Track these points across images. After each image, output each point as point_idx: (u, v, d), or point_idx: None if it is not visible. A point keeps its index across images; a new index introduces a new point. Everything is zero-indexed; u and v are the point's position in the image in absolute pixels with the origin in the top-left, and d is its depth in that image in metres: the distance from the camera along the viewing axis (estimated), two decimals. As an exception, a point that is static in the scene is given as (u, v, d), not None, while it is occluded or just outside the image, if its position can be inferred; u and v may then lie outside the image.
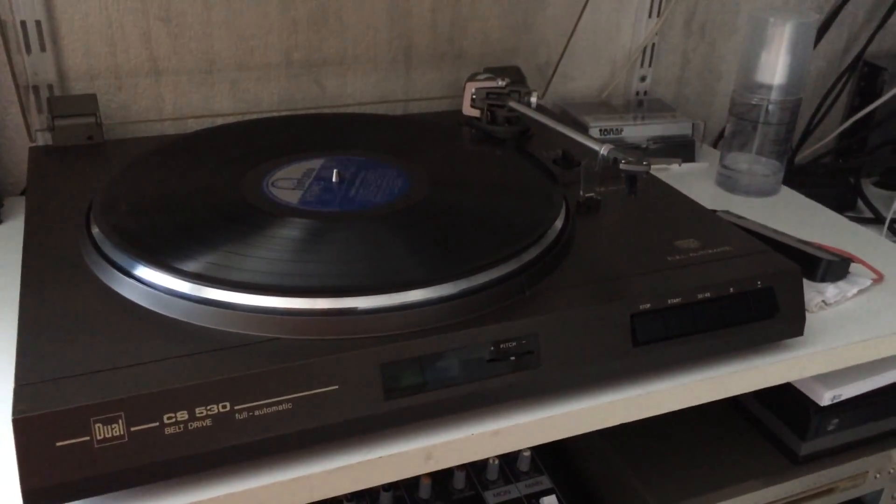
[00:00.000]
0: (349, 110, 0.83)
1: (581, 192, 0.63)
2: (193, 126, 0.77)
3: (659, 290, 0.53)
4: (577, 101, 0.93)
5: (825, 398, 0.63)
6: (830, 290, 0.63)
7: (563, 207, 0.60)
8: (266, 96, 0.80)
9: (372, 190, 0.60)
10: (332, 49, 0.81)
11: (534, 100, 0.73)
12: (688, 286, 0.54)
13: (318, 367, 0.45)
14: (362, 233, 0.54)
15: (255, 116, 0.77)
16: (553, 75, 0.88)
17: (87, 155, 0.69)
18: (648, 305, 0.52)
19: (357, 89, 0.84)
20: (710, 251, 0.58)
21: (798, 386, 0.65)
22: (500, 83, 0.74)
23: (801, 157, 1.06)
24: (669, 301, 0.53)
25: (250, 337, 0.46)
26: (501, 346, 0.49)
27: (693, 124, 0.88)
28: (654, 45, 0.95)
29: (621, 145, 0.85)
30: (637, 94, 0.97)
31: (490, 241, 0.54)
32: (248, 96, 0.80)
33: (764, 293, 0.55)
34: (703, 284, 0.54)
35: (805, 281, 0.63)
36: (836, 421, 0.65)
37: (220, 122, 0.78)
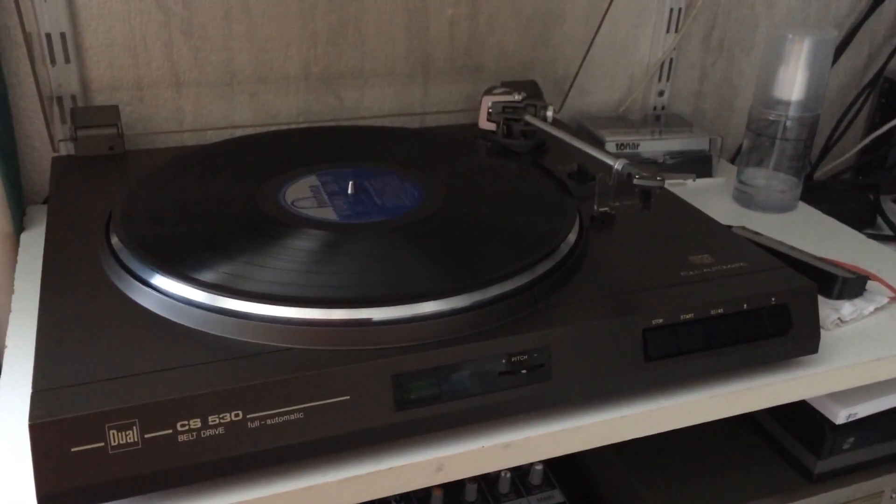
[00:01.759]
0: (367, 123, 0.84)
1: (595, 206, 0.63)
2: (213, 138, 0.78)
3: (671, 306, 0.53)
4: (595, 115, 0.93)
5: (840, 416, 0.63)
6: (846, 308, 0.63)
7: (577, 221, 0.60)
8: (285, 109, 0.81)
9: (387, 201, 0.60)
10: (350, 62, 0.82)
11: (549, 114, 0.73)
12: (701, 302, 0.53)
13: (329, 378, 0.45)
14: (376, 244, 0.55)
15: (273, 128, 0.78)
16: (570, 90, 0.88)
17: (108, 165, 0.70)
18: (661, 320, 0.52)
19: (375, 102, 0.84)
20: (724, 267, 0.58)
21: (813, 403, 0.65)
22: (517, 97, 0.75)
23: (820, 174, 1.05)
24: (682, 316, 0.53)
25: (264, 347, 0.46)
26: (513, 358, 0.49)
27: (710, 139, 0.88)
28: (671, 60, 0.95)
29: (637, 160, 0.86)
30: (654, 108, 0.97)
31: (503, 253, 0.54)
32: (268, 108, 0.81)
33: (778, 310, 0.55)
34: (716, 300, 0.54)
35: (821, 298, 0.63)
36: (851, 439, 0.64)
37: (239, 133, 0.79)
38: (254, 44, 0.77)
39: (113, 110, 0.71)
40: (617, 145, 0.86)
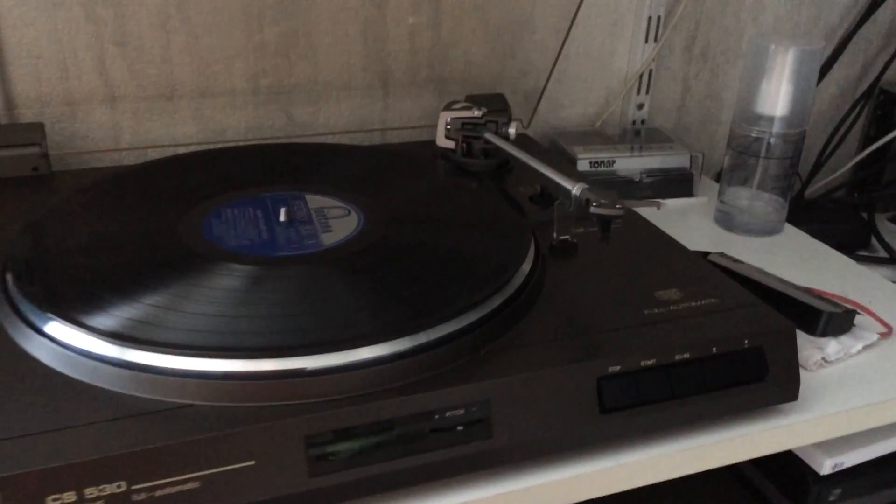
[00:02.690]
0: (322, 139, 0.78)
1: (554, 235, 0.58)
2: (153, 156, 0.73)
3: (631, 350, 0.47)
4: (569, 130, 0.88)
5: (826, 466, 0.57)
6: (832, 346, 0.57)
7: (532, 252, 0.54)
8: (232, 125, 0.76)
9: (323, 230, 0.55)
10: (302, 75, 0.76)
11: (512, 130, 0.68)
12: (664, 345, 0.48)
13: (231, 440, 0.39)
14: (296, 281, 0.49)
15: (220, 146, 0.73)
16: (538, 104, 0.82)
17: (31, 187, 0.64)
18: (618, 368, 0.46)
19: (330, 117, 0.79)
20: (692, 304, 0.52)
21: (797, 452, 0.59)
22: (476, 112, 0.69)
23: (811, 191, 0.99)
24: (642, 363, 0.47)
25: (161, 403, 0.41)
26: (447, 413, 0.43)
27: (691, 156, 0.82)
28: (651, 71, 0.89)
29: (613, 178, 0.80)
30: (634, 123, 0.92)
31: (444, 292, 0.48)
32: (213, 125, 0.75)
33: (752, 354, 0.49)
34: (681, 343, 0.48)
35: (804, 335, 0.58)
36: (838, 491, 0.58)
37: (182, 151, 0.74)
38: (195, 56, 0.72)
39: (37, 128, 0.66)
40: (591, 163, 0.80)
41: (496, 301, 0.49)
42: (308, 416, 0.40)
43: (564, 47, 0.85)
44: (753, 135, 0.73)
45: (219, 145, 0.74)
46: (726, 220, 0.76)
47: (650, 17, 0.86)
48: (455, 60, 0.81)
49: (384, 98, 0.80)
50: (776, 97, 0.72)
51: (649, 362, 0.47)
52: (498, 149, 0.70)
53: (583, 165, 0.80)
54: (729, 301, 0.52)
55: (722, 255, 0.66)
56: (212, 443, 0.39)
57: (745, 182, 0.76)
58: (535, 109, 0.82)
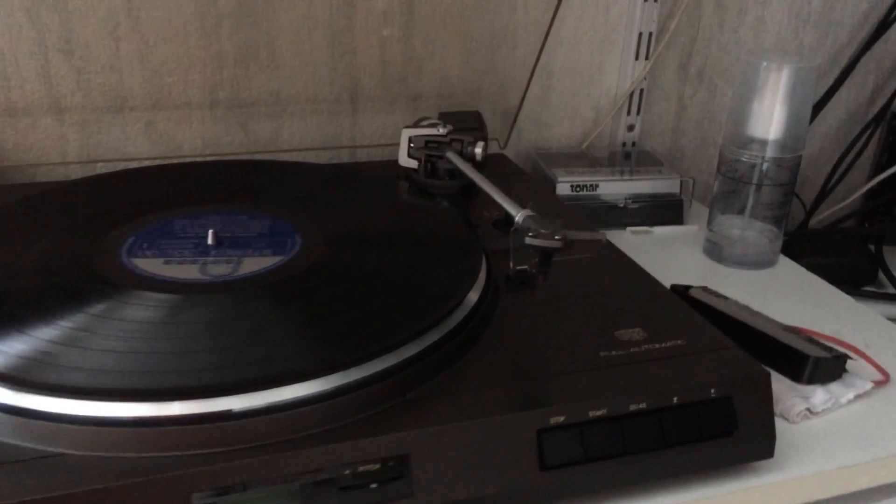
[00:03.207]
0: (285, 157, 0.74)
1: (511, 264, 0.52)
2: (103, 171, 0.69)
3: (579, 398, 0.41)
4: (554, 151, 0.82)
5: (809, 532, 0.51)
6: (819, 396, 0.51)
7: (482, 283, 0.49)
8: (188, 140, 0.71)
9: (253, 254, 0.50)
10: (263, 88, 0.72)
11: (478, 150, 0.63)
12: (618, 393, 0.42)
13: (104, 498, 0.34)
14: (208, 313, 0.44)
15: (176, 161, 0.69)
16: (514, 122, 0.77)
17: (-38, 202, 0.60)
18: (562, 419, 0.41)
19: (295, 133, 0.74)
20: (656, 346, 0.46)
21: (777, 513, 0.52)
22: (441, 130, 0.64)
23: (817, 221, 0.93)
24: (591, 413, 0.41)
25: (33, 451, 0.36)
26: (361, 468, 0.38)
27: (682, 181, 0.76)
28: (642, 90, 0.84)
29: (595, 204, 0.75)
30: (624, 145, 0.86)
31: (370, 326, 0.43)
32: (167, 139, 0.71)
33: (719, 404, 0.43)
34: (638, 391, 0.42)
35: (788, 383, 0.52)
36: (824, 559, 0.52)
37: (134, 166, 0.70)
38: (147, 65, 0.68)
39: (-29, 139, 0.62)
40: (572, 186, 0.75)
41: (431, 337, 0.43)
42: (196, 471, 0.35)
43: (550, 63, 0.80)
44: (745, 159, 0.68)
45: (174, 161, 0.70)
46: (715, 251, 0.70)
47: (641, 33, 0.81)
48: (429, 75, 0.76)
49: (353, 114, 0.76)
50: (769, 119, 0.66)
51: (599, 412, 0.41)
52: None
53: (563, 189, 0.75)
54: (698, 343, 0.47)
55: (704, 289, 0.60)
56: (79, 499, 0.34)
57: (736, 210, 0.70)
58: (512, 128, 0.77)
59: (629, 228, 0.75)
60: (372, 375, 0.40)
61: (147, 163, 0.70)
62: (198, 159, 0.71)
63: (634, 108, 0.85)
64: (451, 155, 0.62)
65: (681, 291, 0.59)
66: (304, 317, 0.44)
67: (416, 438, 0.39)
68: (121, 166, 0.70)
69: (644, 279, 0.54)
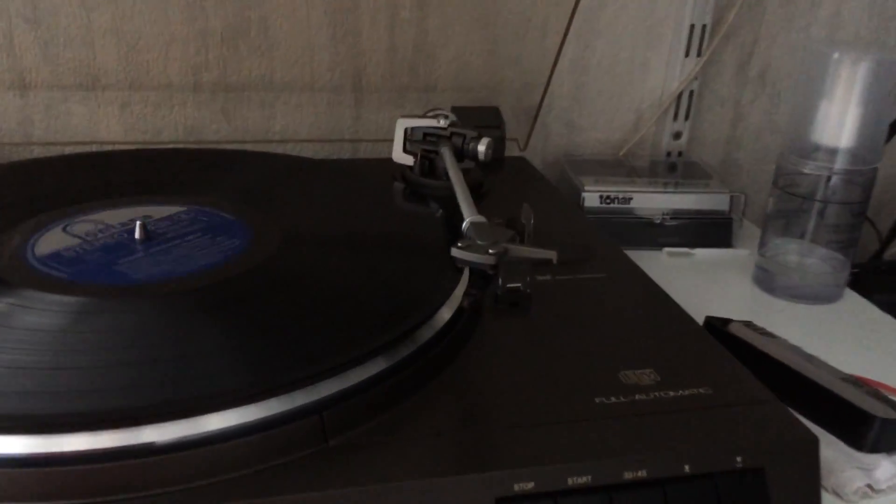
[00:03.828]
0: (277, 149, 0.66)
1: (500, 281, 0.43)
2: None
3: (557, 459, 0.31)
4: (586, 157, 0.72)
5: None
6: (885, 469, 0.39)
7: (456, 300, 0.40)
8: (168, 125, 0.64)
9: (186, 254, 0.41)
10: (254, 71, 0.64)
11: (482, 148, 0.53)
12: (611, 456, 0.32)
13: None
14: (117, 319, 0.36)
15: (154, 148, 0.61)
16: (534, 122, 0.67)
17: None
18: (531, 485, 0.31)
19: (288, 125, 0.66)
20: (669, 394, 0.36)
21: None
22: (442, 122, 0.55)
23: (894, 253, 0.80)
24: (571, 480, 0.31)
25: None
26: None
27: (731, 197, 0.65)
28: (692, 92, 0.73)
29: (629, 219, 0.64)
30: (668, 154, 0.76)
31: (303, 346, 0.34)
32: (144, 124, 0.63)
33: (747, 478, 0.33)
34: (637, 454, 0.32)
35: (846, 449, 0.41)
36: None
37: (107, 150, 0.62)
38: (122, 39, 0.61)
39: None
40: (601, 197, 0.64)
41: (372, 368, 0.34)
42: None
43: (585, 57, 0.70)
44: (808, 171, 0.56)
45: (153, 147, 0.62)
46: (767, 280, 0.59)
47: (693, 26, 0.71)
48: (444, 64, 0.67)
49: (355, 105, 0.67)
50: (840, 123, 0.55)
51: (581, 480, 0.31)
52: (469, 169, 0.56)
53: (591, 200, 0.64)
54: (726, 393, 0.36)
55: (747, 325, 0.49)
56: None
57: (795, 233, 0.59)
58: (532, 129, 0.68)
59: (666, 249, 0.64)
60: (289, 412, 0.31)
61: (121, 148, 0.62)
62: (180, 146, 0.63)
63: (682, 113, 0.74)
64: (444, 150, 0.53)
65: (717, 326, 0.48)
66: (228, 330, 0.35)
67: (334, 501, 0.29)
68: (92, 150, 0.62)
69: (667, 308, 0.44)
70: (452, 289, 0.40)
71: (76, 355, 0.33)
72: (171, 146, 0.63)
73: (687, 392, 0.36)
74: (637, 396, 0.35)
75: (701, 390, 0.36)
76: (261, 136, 0.66)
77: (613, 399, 0.35)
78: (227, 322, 0.36)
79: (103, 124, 0.63)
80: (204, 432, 0.30)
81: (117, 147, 0.63)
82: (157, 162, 0.55)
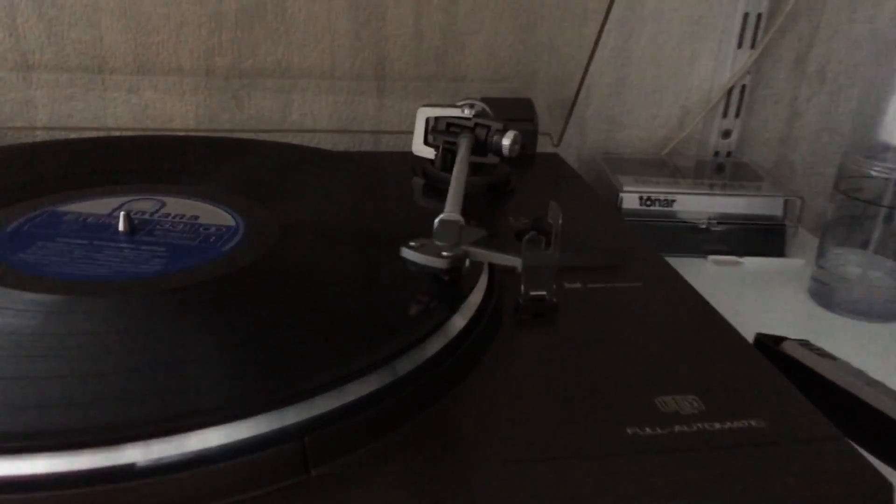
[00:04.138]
0: (294, 139, 0.61)
1: (522, 289, 0.38)
2: (76, 142, 0.58)
3: (579, 502, 0.26)
4: (627, 157, 0.67)
5: None
6: (969, 521, 0.33)
7: (470, 310, 0.35)
8: (179, 112, 0.60)
9: (174, 246, 0.37)
10: (270, 56, 0.60)
11: (507, 142, 0.48)
12: (644, 500, 0.27)
13: None
14: (90, 320, 0.32)
15: (152, 135, 0.58)
16: (569, 116, 0.62)
17: None
18: (545, 533, 0.26)
19: (306, 114, 0.62)
20: (715, 425, 0.30)
21: None
22: (466, 111, 0.50)
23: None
24: (595, 528, 0.26)
25: None
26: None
27: (785, 201, 0.60)
28: (745, 87, 0.67)
29: (670, 224, 0.59)
30: (716, 154, 0.70)
31: (281, 364, 0.30)
32: (153, 111, 0.60)
33: (808, 532, 0.27)
34: (679, 500, 0.27)
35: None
36: None
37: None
38: (130, 21, 0.57)
39: None
40: (641, 199, 0.59)
41: (365, 387, 0.29)
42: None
43: (628, 47, 0.65)
44: (874, 173, 0.51)
45: (163, 135, 0.59)
46: (825, 294, 0.53)
47: (747, 15, 0.65)
48: (474, 52, 0.63)
49: (378, 94, 0.63)
50: (912, 120, 0.49)
51: (607, 529, 0.26)
52: (496, 165, 0.52)
53: (630, 202, 0.59)
54: (781, 427, 0.31)
55: (803, 344, 0.43)
56: None
57: (858, 242, 0.53)
58: (566, 123, 0.62)
59: (711, 257, 0.59)
60: (265, 436, 0.27)
61: (119, 135, 0.59)
62: (191, 133, 0.60)
63: (733, 110, 0.68)
64: (461, 140, 0.48)
65: (768, 345, 0.43)
66: (198, 339, 0.31)
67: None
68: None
69: (713, 323, 0.39)
70: (465, 296, 0.35)
71: (43, 362, 0.29)
72: (181, 134, 0.59)
73: (736, 424, 0.31)
74: (677, 428, 0.30)
75: (752, 423, 0.31)
76: (277, 126, 0.62)
77: (649, 430, 0.30)
78: (198, 330, 0.32)
79: (110, 111, 0.59)
80: (162, 459, 0.25)
81: (125, 134, 0.59)
82: (152, 149, 0.51)
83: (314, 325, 0.32)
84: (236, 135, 0.61)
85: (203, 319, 0.32)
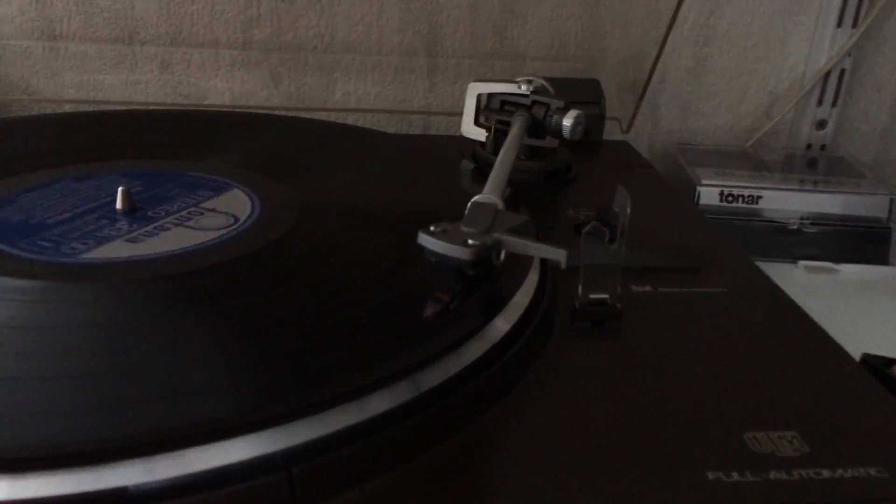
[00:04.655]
0: (338, 118, 0.56)
1: (580, 291, 0.31)
2: (105, 119, 0.54)
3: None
4: (705, 147, 0.60)
5: None
6: None
7: (515, 315, 0.29)
8: (214, 88, 0.56)
9: (178, 226, 0.32)
10: (312, 29, 0.55)
11: (567, 122, 0.42)
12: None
13: None
14: (73, 310, 0.27)
15: (166, 109, 0.53)
16: (641, 99, 0.55)
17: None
18: None
19: (350, 93, 0.57)
20: (824, 473, 0.24)
21: None
22: (523, 88, 0.44)
23: None
24: None
25: None
26: None
27: (891, 200, 0.52)
28: (843, 72, 0.60)
29: (756, 223, 0.52)
30: (809, 147, 0.62)
31: (270, 375, 0.24)
32: (186, 87, 0.56)
33: None
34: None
35: None
36: None
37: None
38: (163, -13, 0.53)
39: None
40: (722, 195, 0.52)
41: (370, 408, 0.23)
42: None
43: (710, 25, 0.58)
44: None
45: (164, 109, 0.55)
46: (940, 309, 0.45)
47: (849, -11, 0.57)
48: (536, 27, 0.57)
49: (429, 73, 0.57)
50: None
51: None
52: (556, 149, 0.45)
53: (709, 197, 0.52)
54: (909, 479, 0.24)
55: (921, 369, 0.36)
56: None
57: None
58: (637, 107, 0.56)
59: (802, 263, 0.51)
60: (243, 464, 0.21)
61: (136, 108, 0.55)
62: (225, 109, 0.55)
63: (829, 98, 0.60)
64: (516, 118, 0.42)
65: (878, 368, 0.36)
66: (195, 333, 0.26)
67: None
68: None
69: (818, 343, 0.32)
70: (506, 298, 0.29)
71: (19, 360, 0.24)
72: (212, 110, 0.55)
73: (849, 473, 0.24)
74: (773, 474, 0.24)
75: (871, 471, 0.24)
76: (318, 104, 0.57)
77: (736, 476, 0.23)
78: (177, 327, 0.26)
79: (140, 85, 0.55)
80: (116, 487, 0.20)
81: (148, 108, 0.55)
82: (165, 123, 0.47)
83: (310, 328, 0.26)
84: (276, 113, 0.56)
85: (185, 314, 0.27)
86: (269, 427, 0.22)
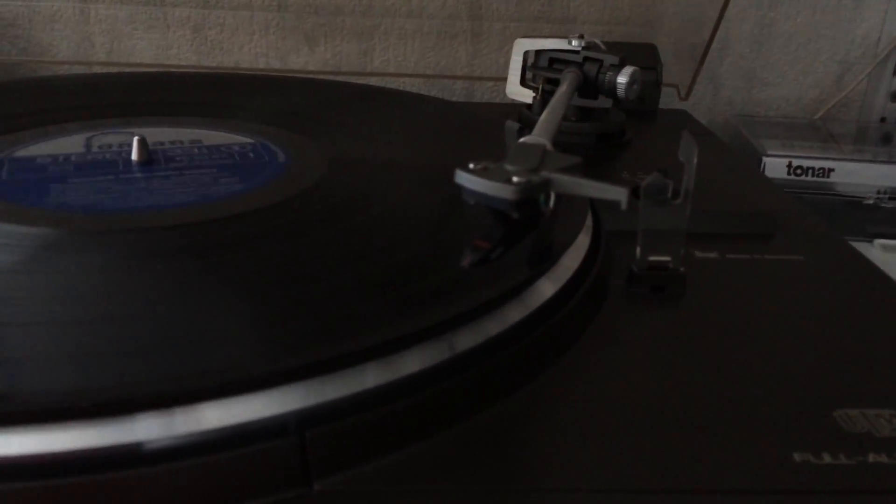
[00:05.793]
0: (377, 83, 0.53)
1: (638, 252, 0.28)
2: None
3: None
4: (769, 118, 0.56)
5: None
6: None
7: (562, 278, 0.25)
8: (247, 53, 0.53)
9: (197, 177, 0.30)
10: (350, -10, 0.52)
11: (623, 79, 0.39)
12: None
13: None
14: (79, 258, 0.24)
15: (199, 71, 0.51)
16: (701, 64, 0.51)
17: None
18: None
19: (390, 59, 0.54)
20: (932, 460, 0.20)
21: None
22: (574, 44, 0.41)
23: None
24: None
25: None
26: None
27: (977, 176, 0.47)
28: (923, 38, 0.55)
29: (827, 197, 0.48)
30: (883, 120, 0.57)
31: (285, 328, 0.21)
32: (219, 51, 0.53)
33: None
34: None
35: None
36: None
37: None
38: (195, -55, 0.51)
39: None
40: (790, 167, 0.48)
41: (397, 368, 0.20)
42: None
43: (775, -13, 0.54)
44: None
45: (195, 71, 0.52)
46: None
47: (931, -53, 0.52)
48: (588, -11, 0.53)
49: (472, 37, 0.54)
50: None
51: None
52: (608, 110, 0.42)
53: (776, 169, 0.48)
54: None
55: None
56: None
57: None
58: (696, 73, 0.52)
59: (878, 241, 0.47)
60: (251, 425, 0.18)
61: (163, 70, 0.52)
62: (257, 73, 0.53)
63: (906, 67, 0.56)
64: (566, 75, 0.38)
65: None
66: (233, 275, 0.23)
67: None
68: (160, 82, 0.53)
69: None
70: (555, 254, 0.25)
71: (23, 308, 0.22)
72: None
73: (964, 458, 0.20)
74: (871, 457, 0.20)
75: None
76: (357, 67, 0.54)
77: (827, 457, 0.20)
78: (206, 277, 0.24)
79: (173, 49, 0.53)
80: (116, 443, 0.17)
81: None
82: (194, 85, 0.44)
83: (344, 276, 0.23)
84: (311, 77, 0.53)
85: (205, 264, 0.24)
86: (282, 384, 0.19)
